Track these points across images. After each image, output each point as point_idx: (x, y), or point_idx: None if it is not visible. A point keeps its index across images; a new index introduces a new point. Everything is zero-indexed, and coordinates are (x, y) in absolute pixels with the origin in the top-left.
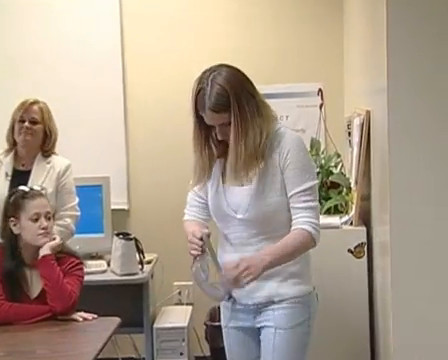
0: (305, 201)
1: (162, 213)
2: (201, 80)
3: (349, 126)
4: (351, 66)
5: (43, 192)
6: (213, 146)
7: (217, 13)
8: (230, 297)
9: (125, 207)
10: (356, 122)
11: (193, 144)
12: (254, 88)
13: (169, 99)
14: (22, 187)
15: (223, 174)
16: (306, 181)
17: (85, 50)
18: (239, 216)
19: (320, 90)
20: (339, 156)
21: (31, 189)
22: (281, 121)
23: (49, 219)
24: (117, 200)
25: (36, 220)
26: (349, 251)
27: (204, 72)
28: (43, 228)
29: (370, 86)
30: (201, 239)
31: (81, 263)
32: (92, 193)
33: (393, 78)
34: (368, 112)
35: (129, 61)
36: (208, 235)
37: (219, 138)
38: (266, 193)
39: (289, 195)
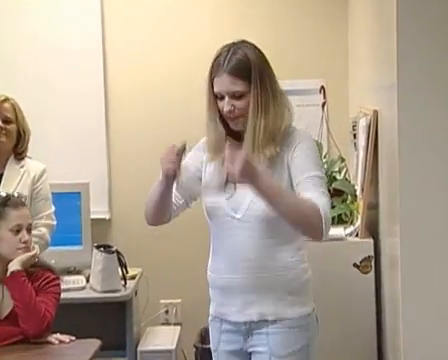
0: (315, 185)
1: (146, 223)
2: (221, 49)
3: (354, 127)
4: (356, 61)
5: (25, 201)
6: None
7: (207, 4)
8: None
9: (106, 216)
10: (362, 123)
11: (207, 117)
12: (275, 76)
13: (154, 98)
14: (1, 192)
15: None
16: (316, 170)
17: (63, 47)
18: (238, 216)
19: (322, 87)
20: (343, 160)
21: (13, 196)
22: None
23: (29, 231)
24: (97, 208)
25: (17, 232)
26: (354, 265)
27: (225, 45)
28: (24, 242)
29: (378, 83)
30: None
31: (57, 279)
32: (69, 201)
33: (403, 74)
34: (375, 112)
35: (111, 58)
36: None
37: (225, 109)
38: None
39: (296, 182)
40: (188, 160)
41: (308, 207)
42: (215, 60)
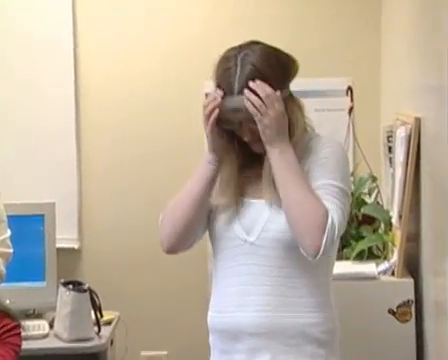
0: (330, 195)
1: (126, 254)
2: (227, 59)
3: (390, 138)
4: (391, 58)
5: None
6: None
7: None
8: None
9: (75, 245)
10: (400, 133)
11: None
12: (290, 62)
13: (134, 101)
14: None
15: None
16: (335, 179)
17: (26, 43)
18: (251, 238)
19: (349, 88)
20: (375, 180)
21: None
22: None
23: None
24: (64, 235)
25: None
26: (390, 312)
27: (230, 50)
28: None
29: (420, 85)
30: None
31: (18, 327)
32: (30, 225)
33: None
34: (418, 120)
35: (82, 57)
36: None
37: (245, 138)
38: None
39: (313, 186)
40: None
41: (315, 205)
42: (221, 79)
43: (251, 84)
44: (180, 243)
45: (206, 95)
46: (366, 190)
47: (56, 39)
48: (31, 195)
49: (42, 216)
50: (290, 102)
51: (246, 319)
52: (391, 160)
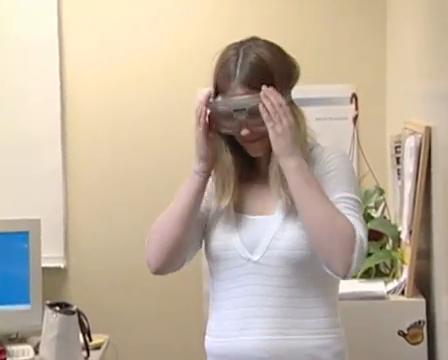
0: (349, 209)
1: (115, 273)
2: (226, 52)
3: (398, 149)
4: (398, 65)
5: None
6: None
7: None
8: None
9: (61, 264)
10: (409, 143)
11: None
12: (294, 62)
13: (121, 113)
14: None
15: (235, 201)
16: (350, 192)
17: (9, 48)
18: (255, 257)
19: (354, 96)
20: (382, 193)
21: None
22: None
23: None
24: (49, 254)
25: None
26: (400, 334)
27: (232, 44)
28: None
29: (431, 92)
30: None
31: (3, 352)
32: (14, 243)
33: None
34: (428, 129)
35: (68, 60)
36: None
37: (242, 133)
38: (299, 224)
39: None
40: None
41: (342, 221)
42: (220, 69)
43: (264, 88)
44: (169, 263)
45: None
46: (372, 204)
47: (41, 44)
48: (14, 211)
49: (26, 233)
50: (292, 110)
51: (249, 343)
52: (399, 172)
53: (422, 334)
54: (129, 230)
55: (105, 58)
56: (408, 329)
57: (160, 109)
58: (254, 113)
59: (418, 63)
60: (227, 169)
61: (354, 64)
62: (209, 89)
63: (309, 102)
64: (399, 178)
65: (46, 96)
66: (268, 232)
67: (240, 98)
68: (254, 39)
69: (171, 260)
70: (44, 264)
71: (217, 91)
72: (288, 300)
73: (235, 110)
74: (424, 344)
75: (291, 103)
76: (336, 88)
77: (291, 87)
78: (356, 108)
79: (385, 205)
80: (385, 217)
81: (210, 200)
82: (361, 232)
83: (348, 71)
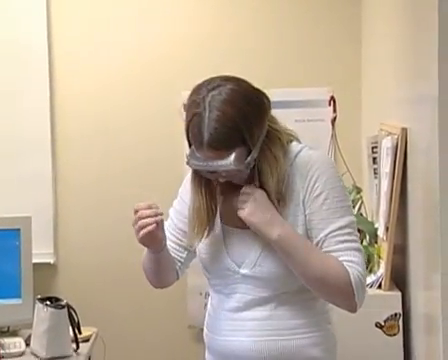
0: (344, 241)
1: (103, 269)
2: (195, 102)
3: (374, 149)
4: (373, 67)
5: None
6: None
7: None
8: None
9: (50, 260)
10: (386, 144)
11: (190, 182)
12: (264, 104)
13: (109, 115)
14: None
15: (222, 212)
16: (343, 216)
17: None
18: (244, 271)
19: (332, 98)
20: (359, 191)
21: None
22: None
23: None
24: (39, 250)
25: None
26: (377, 325)
27: (199, 88)
28: None
29: (407, 95)
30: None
31: None
32: (5, 240)
33: (446, 83)
34: (404, 130)
35: (57, 68)
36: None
37: (221, 180)
38: None
39: (319, 238)
40: (179, 199)
41: (336, 273)
42: (189, 126)
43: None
44: (164, 284)
45: (184, 106)
46: (350, 202)
47: (30, 50)
48: (5, 209)
49: (18, 230)
50: (265, 147)
51: (243, 344)
52: (375, 171)
53: (398, 326)
54: (116, 227)
55: (93, 63)
56: (385, 321)
57: (146, 112)
58: (227, 171)
59: (393, 67)
60: (200, 213)
61: (331, 68)
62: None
63: (289, 104)
64: (375, 177)
65: (36, 99)
66: (256, 247)
67: (211, 163)
68: (219, 85)
69: (164, 284)
70: (35, 260)
71: (189, 143)
72: (279, 304)
73: (208, 171)
74: (400, 335)
75: (265, 137)
76: (315, 91)
77: (264, 124)
78: (334, 110)
79: (362, 203)
80: (362, 214)
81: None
82: (357, 268)
83: (326, 75)
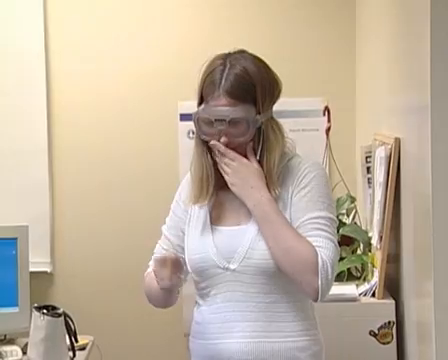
0: (319, 229)
1: (99, 278)
2: (214, 62)
3: (368, 159)
4: (367, 77)
5: None
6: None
7: (183, 7)
8: None
9: (47, 269)
10: (379, 154)
11: (194, 149)
12: (278, 81)
13: (106, 125)
14: None
15: (211, 212)
16: (322, 209)
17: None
18: (233, 266)
19: (326, 108)
20: (353, 200)
21: None
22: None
23: None
24: (36, 259)
25: None
26: (371, 334)
27: (219, 54)
28: None
29: (400, 105)
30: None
31: None
32: (2, 250)
33: (440, 92)
34: (397, 140)
35: (55, 77)
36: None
37: (221, 140)
38: None
39: (297, 225)
40: (174, 216)
41: (303, 249)
42: (207, 76)
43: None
44: (167, 305)
45: (183, 116)
46: (344, 211)
47: (28, 59)
48: (2, 218)
49: (15, 239)
50: (269, 125)
51: (232, 346)
52: (369, 180)
53: (392, 334)
54: (112, 237)
55: (90, 73)
56: (379, 329)
57: (143, 122)
58: (234, 124)
59: (387, 77)
60: (207, 171)
61: (326, 78)
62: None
63: (283, 114)
64: (369, 186)
65: (33, 109)
66: (244, 242)
67: (222, 109)
68: (242, 52)
69: (170, 305)
70: (32, 269)
71: (202, 98)
72: (267, 305)
73: (216, 119)
74: (393, 343)
75: (271, 118)
76: (309, 101)
77: (273, 102)
78: (328, 120)
79: (356, 212)
80: (356, 223)
81: (184, 217)
82: (326, 253)
83: (320, 85)
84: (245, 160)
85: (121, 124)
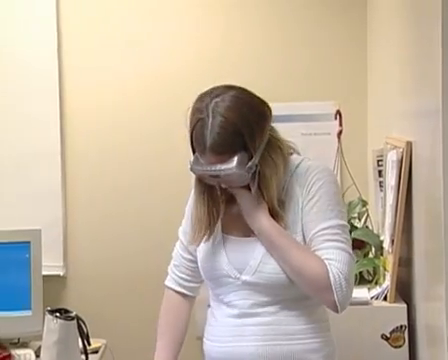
0: (329, 240)
1: (111, 281)
2: (198, 109)
3: (379, 163)
4: (379, 81)
5: None
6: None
7: (193, 9)
8: None
9: (60, 272)
10: (391, 157)
11: (193, 187)
12: (266, 112)
13: (118, 129)
14: None
15: (223, 221)
16: (332, 218)
17: (9, 67)
18: (244, 278)
19: (338, 112)
20: (365, 204)
21: None
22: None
23: None
24: (48, 262)
25: None
26: (383, 337)
27: (202, 96)
28: None
29: (412, 108)
30: None
31: (9, 357)
32: (16, 253)
33: None
34: (409, 144)
35: (67, 83)
36: None
37: (223, 186)
38: None
39: (308, 239)
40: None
41: (312, 268)
42: (192, 130)
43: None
44: None
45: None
46: (356, 214)
47: (40, 64)
48: (15, 222)
49: (28, 243)
50: (265, 156)
51: (246, 349)
52: (381, 184)
53: (404, 338)
54: (124, 240)
55: (102, 77)
56: (390, 333)
57: (155, 126)
58: (228, 175)
59: (398, 81)
60: (204, 211)
61: (337, 82)
62: None
63: (295, 118)
64: (381, 190)
65: (46, 114)
66: (256, 254)
67: (214, 167)
68: (223, 92)
69: None
70: (44, 272)
71: (193, 147)
72: (279, 310)
73: (210, 176)
74: (405, 347)
75: (266, 146)
76: (321, 105)
77: (265, 131)
78: (340, 124)
79: (367, 216)
80: (368, 227)
81: None
82: (338, 266)
83: (332, 89)
84: (240, 191)
85: (134, 128)
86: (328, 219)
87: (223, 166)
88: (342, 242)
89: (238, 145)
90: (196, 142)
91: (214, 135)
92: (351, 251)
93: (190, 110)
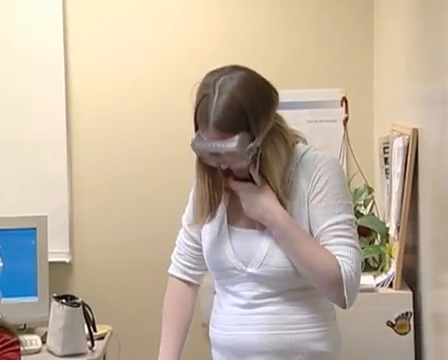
0: (339, 236)
1: (117, 268)
2: (203, 88)
3: (385, 150)
4: (385, 68)
5: None
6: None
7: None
8: None
9: (66, 259)
10: (397, 144)
11: (195, 168)
12: (273, 96)
13: (124, 117)
14: None
15: (228, 212)
16: (340, 213)
17: (15, 58)
18: (250, 270)
19: (344, 99)
20: (370, 191)
21: None
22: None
23: None
24: (55, 249)
25: None
26: (389, 324)
27: (211, 73)
28: None
29: (418, 95)
30: None
31: (17, 343)
32: (22, 239)
33: None
34: (415, 131)
35: (73, 71)
36: None
37: (222, 167)
38: None
39: (316, 234)
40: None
41: (325, 263)
42: (197, 106)
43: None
44: None
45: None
46: (362, 201)
47: (46, 54)
48: (21, 209)
49: (34, 230)
50: (268, 141)
51: (251, 338)
52: (387, 171)
53: (409, 325)
54: (131, 227)
55: (108, 65)
56: (396, 320)
57: (160, 113)
58: (230, 154)
59: (405, 68)
60: (205, 192)
61: (343, 69)
62: None
63: (301, 105)
64: (387, 177)
65: (52, 102)
66: (262, 247)
67: (215, 144)
68: (231, 71)
69: None
70: (51, 259)
71: (196, 125)
72: (285, 299)
73: (211, 153)
74: (411, 334)
75: (270, 131)
76: (327, 92)
77: (270, 115)
78: (346, 111)
79: (373, 203)
80: (373, 214)
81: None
82: (349, 263)
83: (338, 76)
84: (247, 184)
85: (139, 115)
86: (337, 214)
87: (224, 144)
88: (351, 238)
89: (241, 125)
90: (200, 117)
91: (219, 111)
92: (359, 246)
93: (198, 87)
